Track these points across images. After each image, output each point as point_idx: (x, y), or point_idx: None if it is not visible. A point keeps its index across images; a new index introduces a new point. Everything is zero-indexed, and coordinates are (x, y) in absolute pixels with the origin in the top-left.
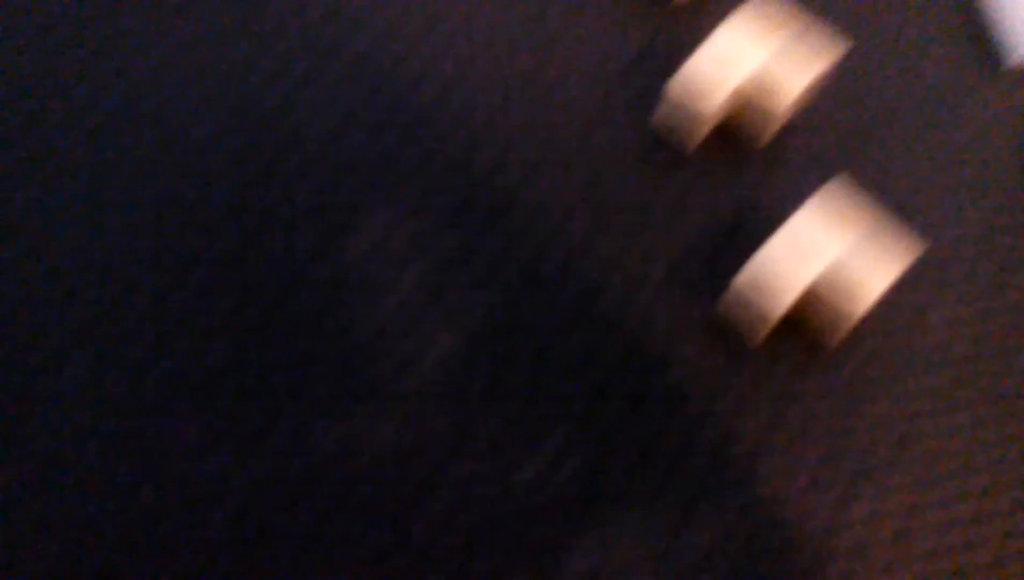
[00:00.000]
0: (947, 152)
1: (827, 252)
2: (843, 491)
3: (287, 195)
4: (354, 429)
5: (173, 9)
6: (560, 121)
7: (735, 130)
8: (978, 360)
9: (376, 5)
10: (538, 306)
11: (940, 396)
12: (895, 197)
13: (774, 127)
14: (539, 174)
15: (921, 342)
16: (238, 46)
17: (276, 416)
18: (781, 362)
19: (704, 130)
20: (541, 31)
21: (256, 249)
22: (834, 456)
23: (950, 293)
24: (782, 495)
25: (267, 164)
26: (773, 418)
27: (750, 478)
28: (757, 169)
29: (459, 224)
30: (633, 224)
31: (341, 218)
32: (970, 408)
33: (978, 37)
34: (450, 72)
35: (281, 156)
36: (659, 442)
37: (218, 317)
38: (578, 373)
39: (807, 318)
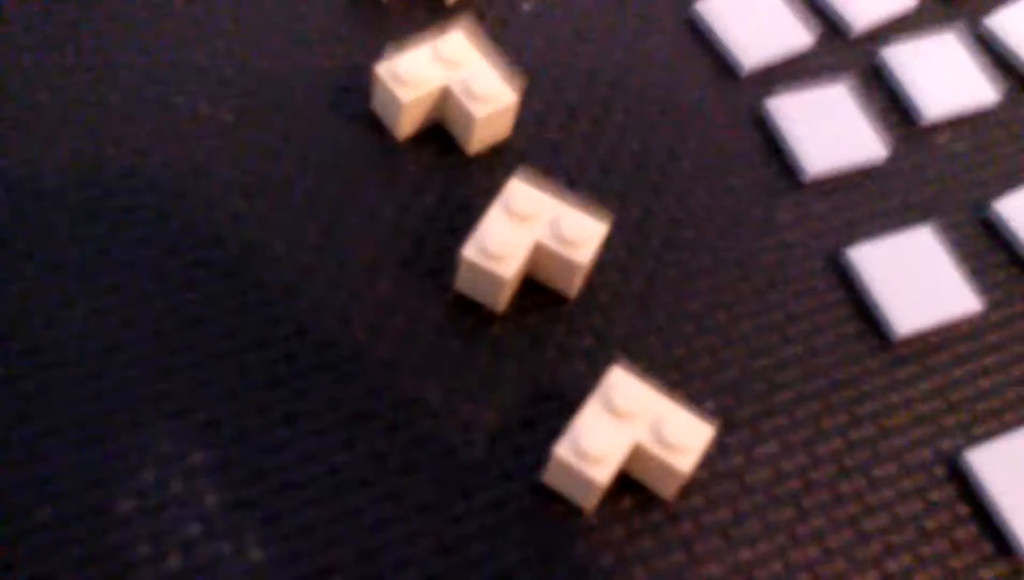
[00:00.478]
0: (756, 276)
1: (643, 411)
2: None
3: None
4: None
5: None
6: (358, 292)
7: (539, 281)
8: (809, 491)
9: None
10: (342, 512)
11: (782, 532)
12: (707, 333)
13: (579, 280)
14: (339, 347)
15: (753, 480)
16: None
17: None
18: (616, 524)
19: (508, 291)
20: (331, 198)
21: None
22: None
23: (773, 426)
24: None
25: None
26: None
27: None
28: (566, 321)
29: (250, 438)
30: (448, 395)
31: (107, 467)
32: (815, 541)
33: (776, 159)
34: (229, 251)
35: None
36: None
37: None
38: (400, 561)
39: (637, 475)
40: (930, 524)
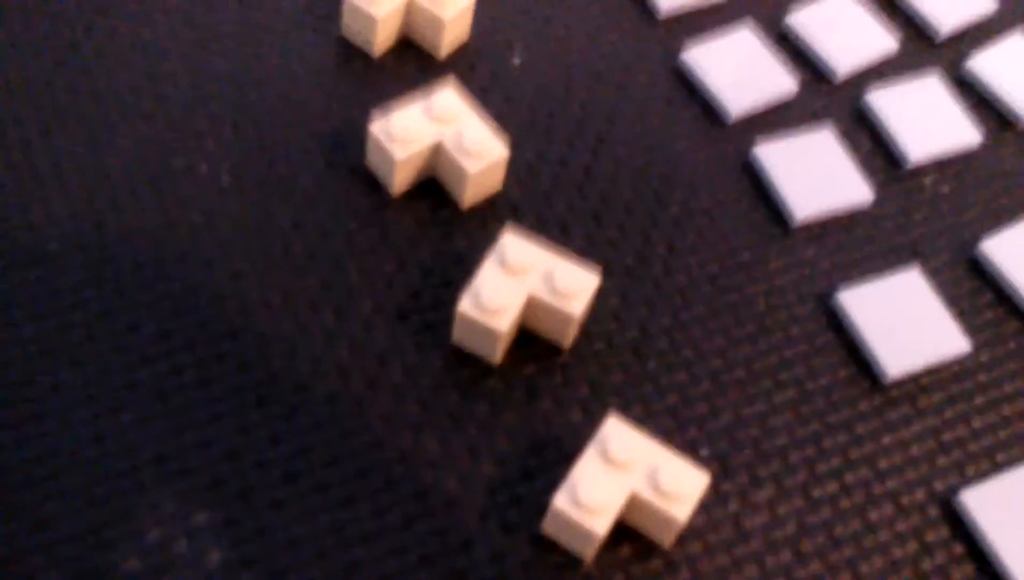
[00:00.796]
0: (747, 321)
1: (639, 461)
2: None
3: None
4: None
5: None
6: (356, 347)
7: (533, 333)
8: (806, 535)
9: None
10: (351, 556)
11: (780, 577)
12: (700, 380)
13: (572, 331)
14: (339, 403)
15: (750, 525)
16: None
17: None
18: (615, 573)
19: (503, 344)
20: (328, 255)
21: None
22: None
23: (768, 471)
24: None
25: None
26: None
27: None
28: (561, 372)
29: (253, 496)
30: (446, 448)
31: (112, 529)
32: None
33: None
34: (228, 307)
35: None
36: None
37: None
38: None
39: (635, 524)
40: (926, 565)
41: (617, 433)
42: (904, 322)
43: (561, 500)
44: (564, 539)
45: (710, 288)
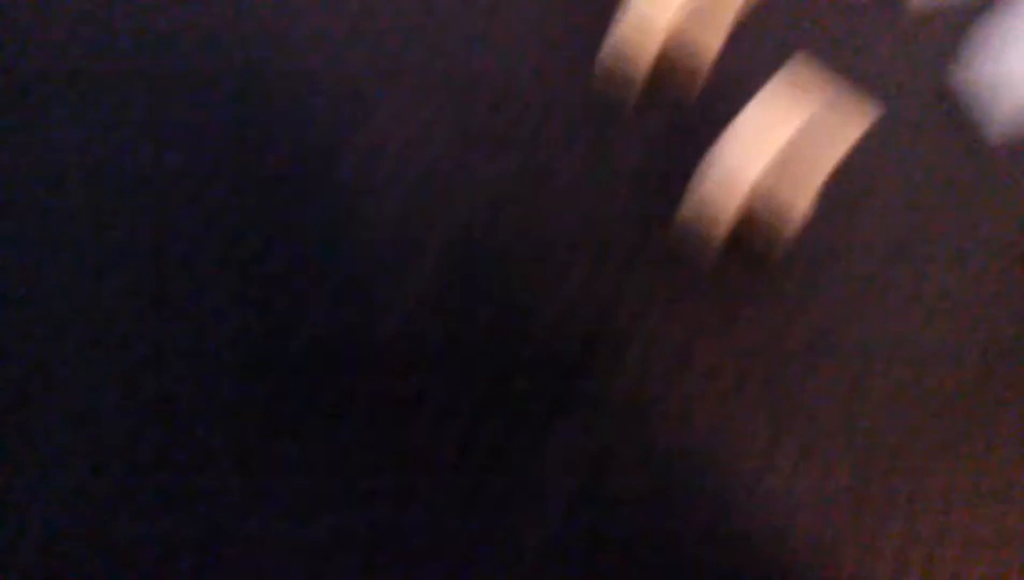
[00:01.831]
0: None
1: (761, 160)
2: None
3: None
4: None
5: None
6: (514, 78)
7: (667, 85)
8: (903, 252)
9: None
10: (502, 246)
11: (872, 292)
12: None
13: (700, 82)
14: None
15: (854, 240)
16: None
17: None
18: (730, 282)
19: (637, 87)
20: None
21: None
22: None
23: (881, 187)
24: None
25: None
26: (725, 337)
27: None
28: (689, 121)
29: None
30: (584, 172)
31: (346, 115)
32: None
33: None
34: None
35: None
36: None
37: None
38: (536, 317)
39: (749, 239)
40: None
41: (760, 112)
42: None
43: (701, 190)
44: (699, 221)
45: None
